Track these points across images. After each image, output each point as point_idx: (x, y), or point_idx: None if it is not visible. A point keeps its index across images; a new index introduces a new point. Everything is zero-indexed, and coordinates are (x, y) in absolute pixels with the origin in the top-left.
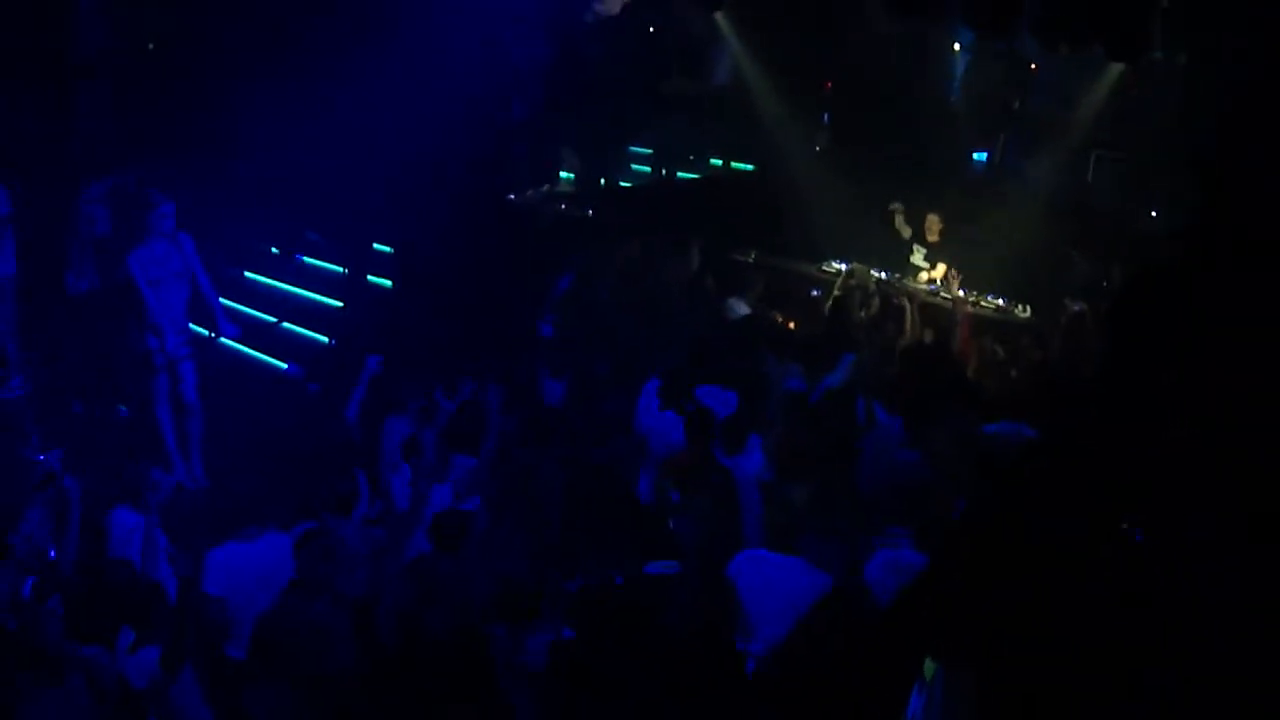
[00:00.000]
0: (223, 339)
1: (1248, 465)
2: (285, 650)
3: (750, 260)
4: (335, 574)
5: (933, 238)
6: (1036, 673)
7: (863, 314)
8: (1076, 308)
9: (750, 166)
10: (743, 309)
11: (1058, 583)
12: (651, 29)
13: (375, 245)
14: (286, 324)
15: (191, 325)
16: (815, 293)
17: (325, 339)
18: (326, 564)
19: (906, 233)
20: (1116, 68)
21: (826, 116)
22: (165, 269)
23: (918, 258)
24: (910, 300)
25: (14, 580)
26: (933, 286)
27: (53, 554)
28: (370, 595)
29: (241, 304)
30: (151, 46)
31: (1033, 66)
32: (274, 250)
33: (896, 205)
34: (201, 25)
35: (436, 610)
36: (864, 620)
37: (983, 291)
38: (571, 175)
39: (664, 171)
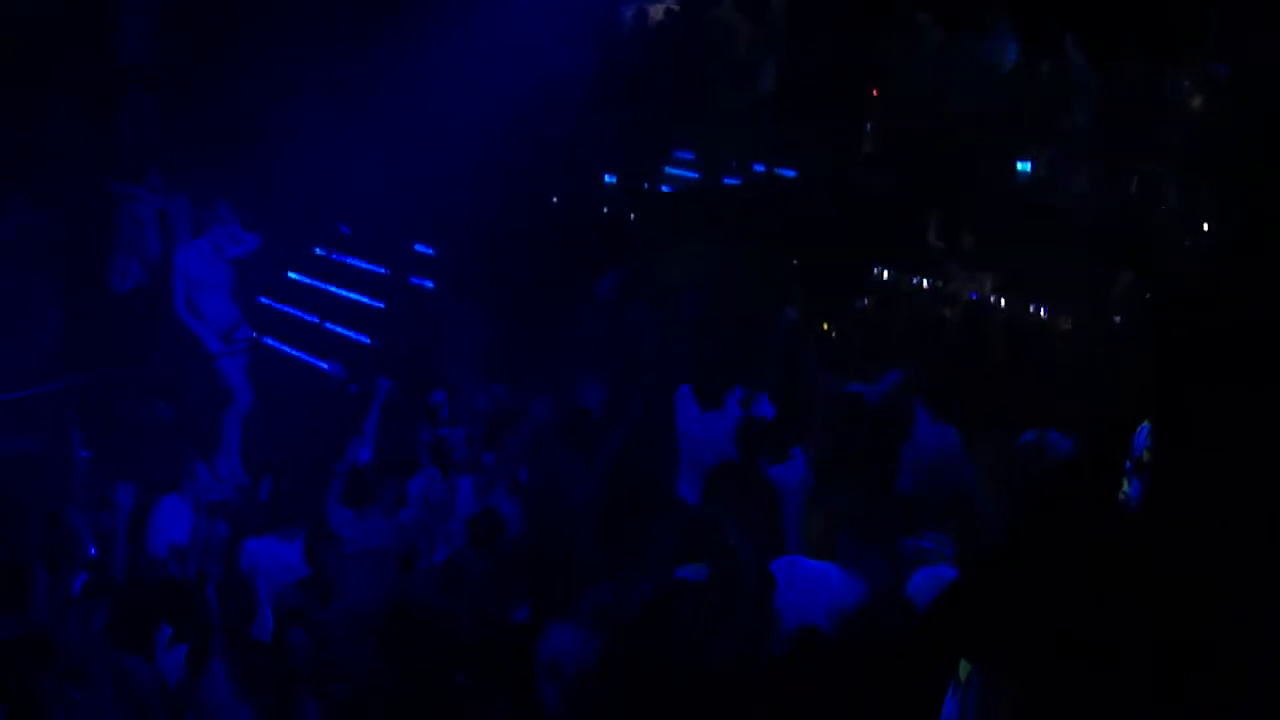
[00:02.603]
0: (266, 339)
1: None
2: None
3: (794, 267)
4: (344, 574)
5: (976, 247)
6: (1072, 676)
7: (906, 322)
8: (1119, 319)
9: (794, 173)
10: (786, 316)
11: (1095, 587)
12: (695, 35)
13: (417, 247)
14: (329, 324)
15: (234, 325)
16: (861, 301)
17: (367, 339)
18: (338, 565)
19: (945, 241)
20: (1165, 78)
21: (870, 125)
22: (209, 271)
23: (961, 266)
24: (953, 309)
25: (65, 577)
26: (975, 295)
27: (93, 551)
28: (398, 594)
29: (286, 304)
30: (195, 52)
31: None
32: (317, 251)
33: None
34: (245, 31)
35: (467, 609)
36: (901, 628)
37: (1026, 302)
38: (614, 180)
39: (707, 177)
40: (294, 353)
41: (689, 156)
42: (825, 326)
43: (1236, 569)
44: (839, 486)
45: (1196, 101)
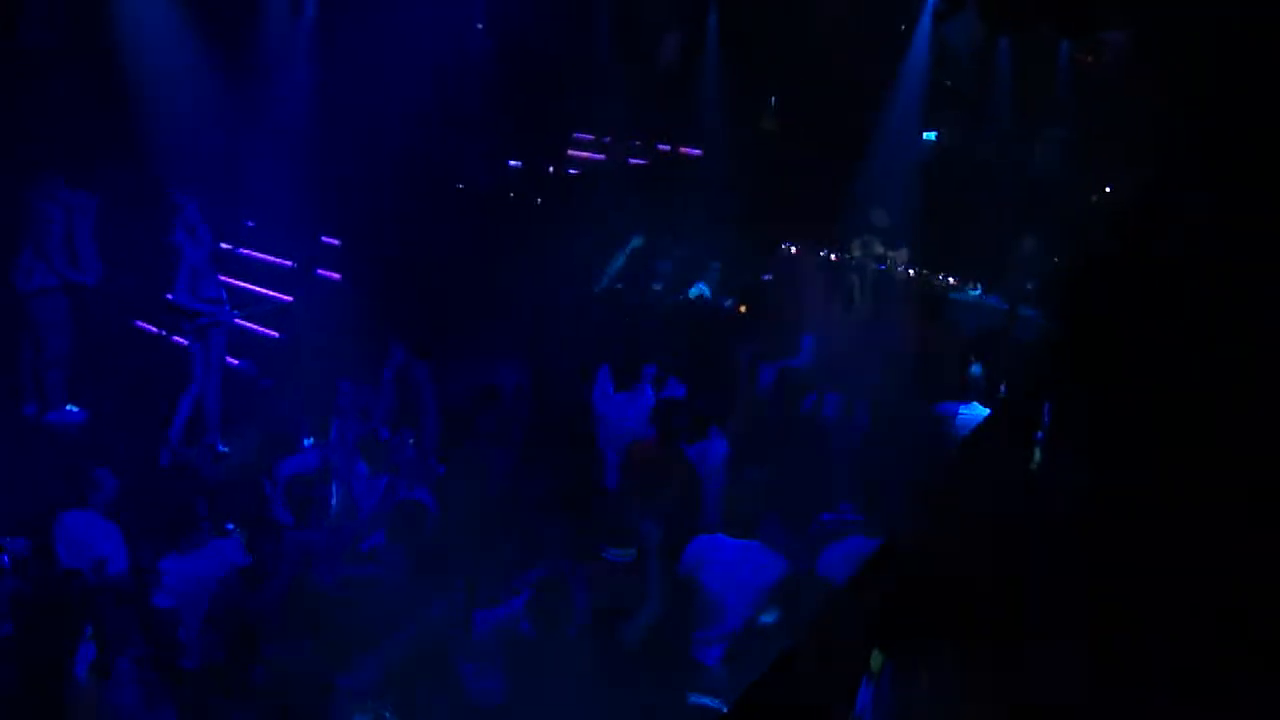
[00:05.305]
0: (174, 337)
1: (1189, 436)
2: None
3: (701, 244)
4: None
5: (882, 218)
6: (986, 661)
7: (814, 295)
8: (1028, 286)
9: (698, 150)
10: (695, 294)
11: (1010, 565)
12: (595, 15)
13: (323, 238)
14: (237, 319)
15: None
16: (766, 276)
17: (275, 334)
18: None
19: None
20: (1065, 46)
21: (774, 99)
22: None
23: (865, 237)
24: (860, 279)
25: None
26: (881, 266)
27: (5, 560)
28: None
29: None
30: (98, 41)
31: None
32: (222, 245)
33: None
34: (148, 18)
35: (388, 596)
36: (819, 603)
37: (933, 269)
38: (520, 164)
39: (612, 158)
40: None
41: (593, 138)
42: (734, 302)
43: (1151, 545)
44: (758, 463)
45: (1096, 69)
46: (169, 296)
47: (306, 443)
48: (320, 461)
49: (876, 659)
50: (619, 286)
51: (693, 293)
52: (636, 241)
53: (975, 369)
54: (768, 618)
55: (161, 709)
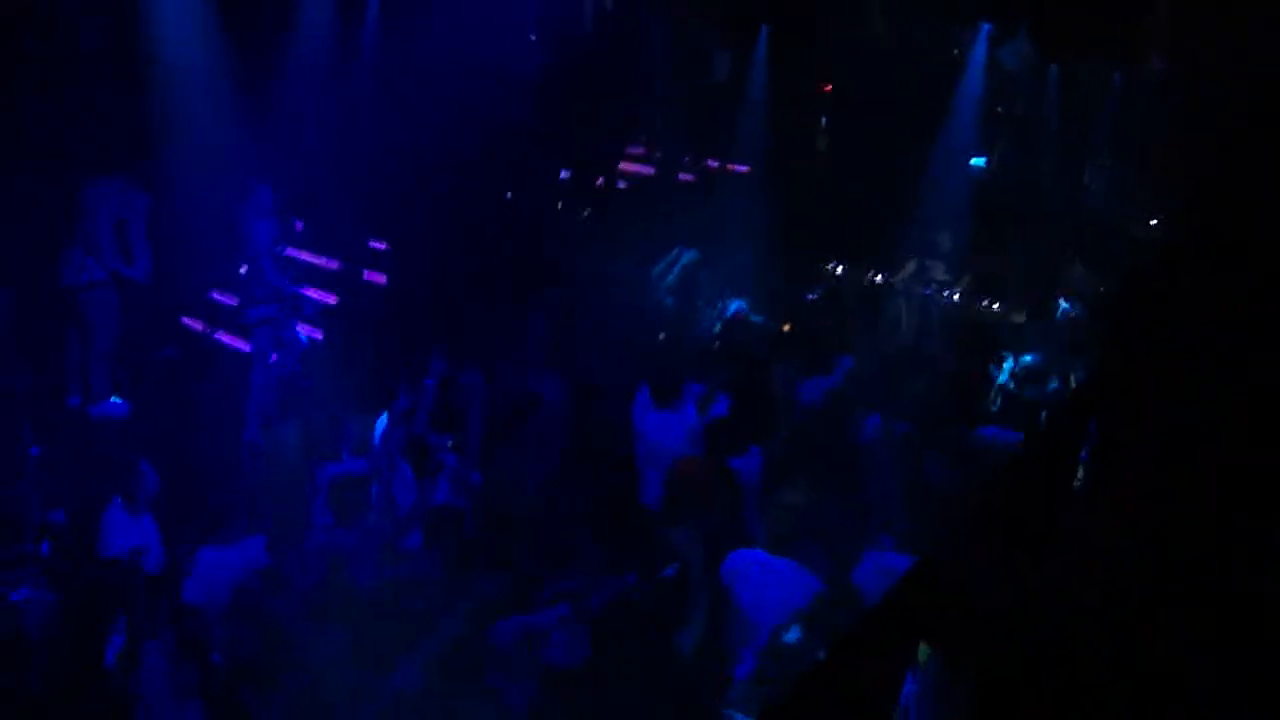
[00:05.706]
0: (218, 334)
1: (1230, 464)
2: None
3: (746, 262)
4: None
5: (946, 241)
6: (1030, 660)
7: (858, 317)
8: (1075, 313)
9: (746, 167)
10: (739, 311)
11: (1053, 575)
12: (648, 30)
13: (371, 243)
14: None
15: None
16: (810, 296)
17: (320, 334)
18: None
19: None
20: (1117, 74)
21: (825, 119)
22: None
23: (914, 261)
24: (906, 303)
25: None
26: (928, 290)
27: (45, 548)
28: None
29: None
30: (150, 43)
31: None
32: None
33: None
34: (199, 22)
35: (421, 601)
36: (857, 619)
37: (979, 295)
38: (569, 175)
39: (661, 172)
40: (249, 349)
41: (642, 151)
42: (778, 320)
43: (1187, 547)
44: (795, 482)
45: (1143, 97)
46: (241, 275)
47: (346, 444)
48: (363, 464)
49: (923, 651)
50: (669, 301)
51: (731, 309)
52: (689, 255)
53: (1017, 393)
54: (791, 635)
55: (190, 701)
